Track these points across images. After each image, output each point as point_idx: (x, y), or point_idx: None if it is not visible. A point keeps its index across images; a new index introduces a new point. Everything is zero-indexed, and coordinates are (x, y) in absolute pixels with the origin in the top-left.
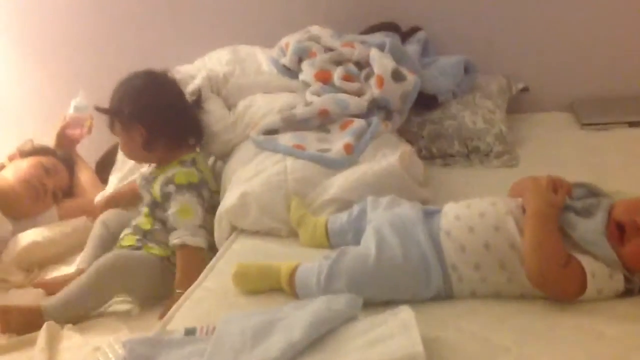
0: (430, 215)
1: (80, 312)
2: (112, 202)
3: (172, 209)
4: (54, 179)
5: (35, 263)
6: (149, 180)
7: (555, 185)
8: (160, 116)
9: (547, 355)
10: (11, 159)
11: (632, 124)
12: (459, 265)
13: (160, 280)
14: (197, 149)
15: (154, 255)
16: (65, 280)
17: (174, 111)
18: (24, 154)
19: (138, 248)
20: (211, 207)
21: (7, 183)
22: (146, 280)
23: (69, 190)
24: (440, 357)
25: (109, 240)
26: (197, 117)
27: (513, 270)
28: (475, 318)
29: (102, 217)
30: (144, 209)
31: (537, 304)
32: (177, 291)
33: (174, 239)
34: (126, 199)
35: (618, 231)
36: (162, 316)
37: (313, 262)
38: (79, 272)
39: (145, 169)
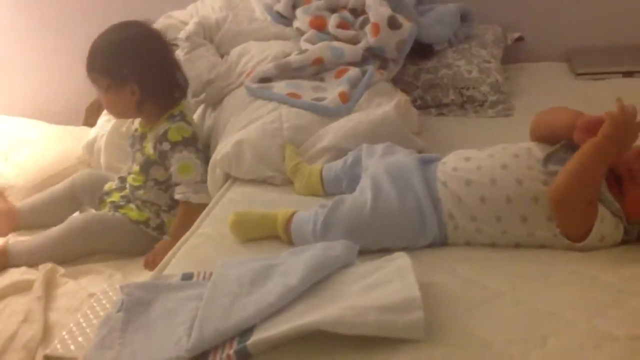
0: (426, 163)
1: (45, 262)
2: None
3: (173, 167)
4: None
5: None
6: (138, 138)
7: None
8: (154, 72)
9: (541, 300)
10: None
11: (626, 74)
12: (455, 214)
13: (133, 244)
14: (182, 101)
15: (130, 220)
16: None
17: (164, 65)
18: None
19: (119, 206)
20: (204, 158)
21: None
22: (118, 244)
23: None
24: (436, 302)
25: (65, 197)
26: (181, 69)
27: (509, 223)
28: (471, 264)
29: (75, 175)
30: (135, 168)
31: (532, 250)
32: (167, 237)
33: (178, 194)
34: None
35: (616, 182)
36: (146, 262)
37: (309, 210)
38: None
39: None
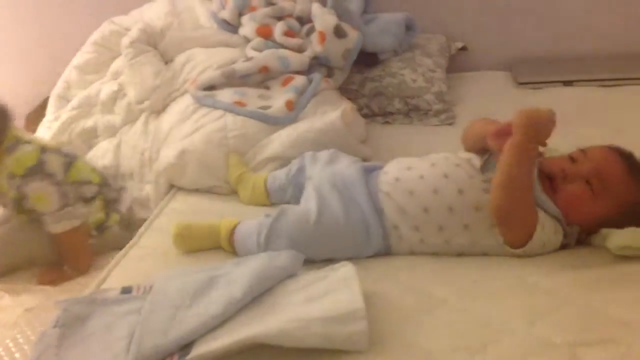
0: (370, 172)
1: None
2: None
3: (29, 200)
4: None
5: None
6: None
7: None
8: None
9: (482, 307)
10: None
11: (566, 83)
12: (399, 225)
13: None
14: (10, 128)
15: None
16: None
17: None
18: None
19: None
20: (71, 160)
21: None
22: (43, 250)
23: None
24: (380, 311)
25: None
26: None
27: (451, 232)
28: (415, 272)
29: None
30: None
31: (475, 258)
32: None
33: (46, 225)
34: None
35: (549, 182)
36: (42, 279)
37: (252, 220)
38: None
39: None
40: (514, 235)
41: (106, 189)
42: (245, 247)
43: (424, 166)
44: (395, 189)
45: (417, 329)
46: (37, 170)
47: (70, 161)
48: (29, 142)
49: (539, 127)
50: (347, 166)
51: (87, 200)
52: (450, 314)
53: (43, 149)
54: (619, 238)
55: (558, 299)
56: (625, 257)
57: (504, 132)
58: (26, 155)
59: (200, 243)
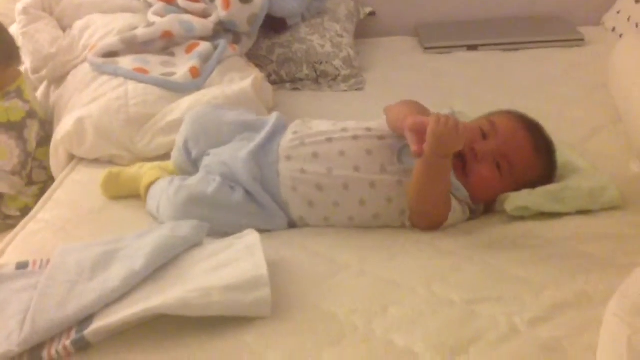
0: (263, 146)
1: None
2: None
3: None
4: None
5: None
6: None
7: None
8: None
9: (385, 270)
10: None
11: (470, 47)
12: (306, 216)
13: None
14: (19, 74)
15: None
16: None
17: None
18: None
19: None
20: (46, 137)
21: None
22: None
23: None
24: (286, 278)
25: None
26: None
27: (361, 220)
28: (321, 238)
29: None
30: None
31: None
32: None
33: None
34: None
35: (460, 162)
36: None
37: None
38: None
39: None
40: (426, 227)
41: (51, 183)
42: (149, 206)
43: (331, 155)
44: (302, 182)
45: (320, 294)
46: (15, 127)
47: (48, 138)
48: (26, 100)
49: (448, 143)
50: (236, 155)
51: (31, 182)
52: (353, 278)
53: (33, 113)
54: (516, 200)
55: (457, 260)
56: (520, 217)
57: (418, 128)
58: (15, 110)
59: (124, 189)
